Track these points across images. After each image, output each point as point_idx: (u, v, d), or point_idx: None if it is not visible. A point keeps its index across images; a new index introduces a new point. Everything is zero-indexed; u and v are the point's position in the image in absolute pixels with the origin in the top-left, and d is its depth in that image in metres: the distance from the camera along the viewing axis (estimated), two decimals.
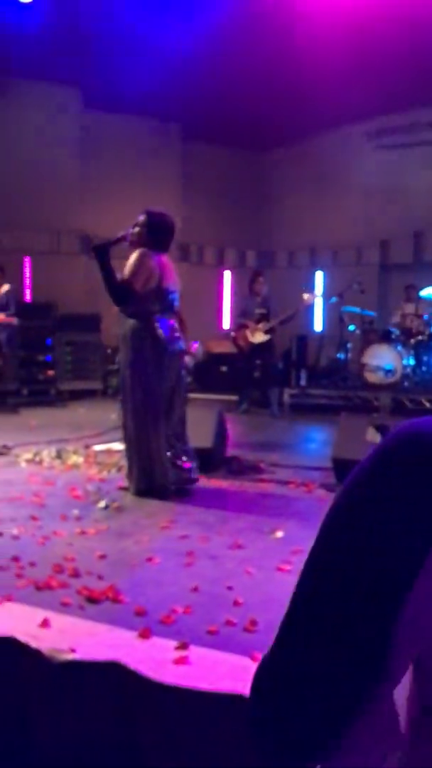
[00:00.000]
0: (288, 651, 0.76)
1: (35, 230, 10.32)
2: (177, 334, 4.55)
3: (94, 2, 7.70)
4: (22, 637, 2.37)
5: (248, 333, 8.38)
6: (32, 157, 9.96)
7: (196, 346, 6.40)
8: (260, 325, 8.30)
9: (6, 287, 8.62)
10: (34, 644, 2.34)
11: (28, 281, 10.65)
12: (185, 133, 10.41)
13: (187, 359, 6.26)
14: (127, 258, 4.47)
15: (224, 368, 10.31)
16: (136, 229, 4.52)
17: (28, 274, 10.64)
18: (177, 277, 4.63)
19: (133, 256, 4.41)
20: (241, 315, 8.65)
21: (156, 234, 4.51)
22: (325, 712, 0.71)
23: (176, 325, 4.57)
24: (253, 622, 2.57)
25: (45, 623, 2.51)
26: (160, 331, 4.42)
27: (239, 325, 8.60)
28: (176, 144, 10.62)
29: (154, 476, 4.48)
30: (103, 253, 4.36)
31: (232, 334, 8.74)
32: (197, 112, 9.58)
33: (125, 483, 4.66)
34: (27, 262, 10.60)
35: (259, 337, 8.32)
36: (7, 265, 8.84)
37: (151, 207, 4.65)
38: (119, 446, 6.01)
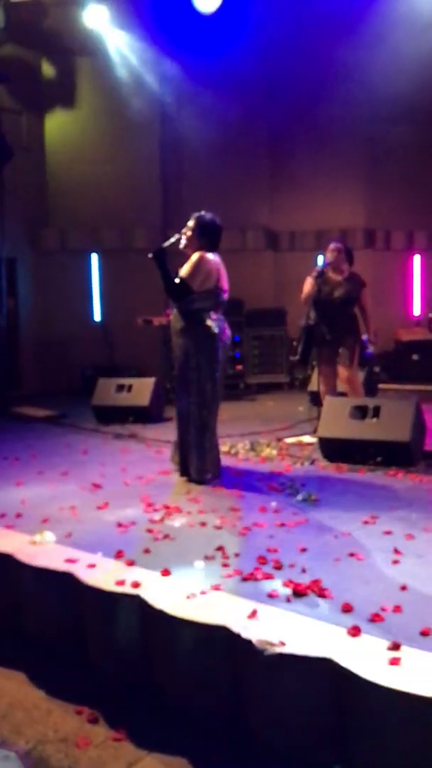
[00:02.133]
0: None
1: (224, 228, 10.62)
2: (227, 329, 4.81)
3: None
4: (234, 627, 2.43)
5: None
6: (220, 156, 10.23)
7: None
8: None
9: None
10: (245, 634, 2.38)
11: None
12: (370, 115, 10.07)
13: (371, 348, 6.07)
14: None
15: (416, 357, 9.88)
16: (188, 233, 4.81)
17: None
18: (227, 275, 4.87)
19: (193, 258, 4.70)
20: None
21: (207, 236, 4.80)
22: None
23: (224, 320, 4.83)
24: None
25: (254, 614, 2.55)
26: (213, 327, 4.67)
27: None
28: (361, 127, 10.32)
29: (217, 464, 4.78)
30: (161, 256, 4.67)
31: (430, 315, 8.17)
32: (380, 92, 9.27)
33: (173, 468, 4.93)
34: None
35: None
36: None
37: (201, 213, 4.88)
38: (310, 439, 6.01)
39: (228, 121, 9.74)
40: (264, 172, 10.72)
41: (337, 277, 6.15)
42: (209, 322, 4.67)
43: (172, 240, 4.82)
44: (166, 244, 4.80)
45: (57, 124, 10.65)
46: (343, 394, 6.19)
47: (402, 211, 10.72)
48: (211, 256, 4.73)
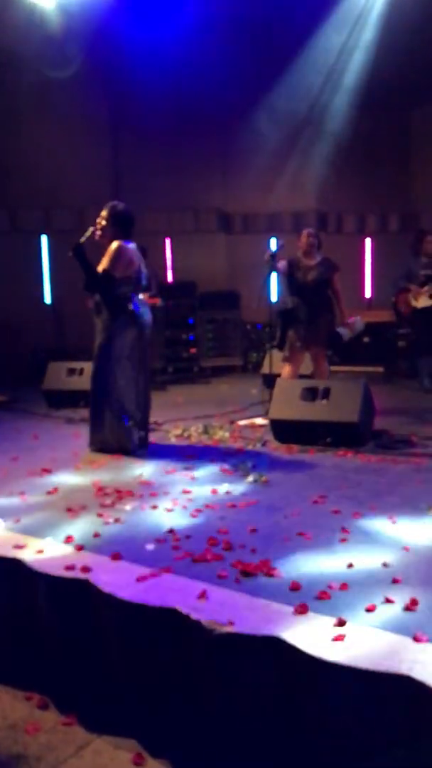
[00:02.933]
0: None
1: (175, 210, 10.55)
2: (147, 310, 5.18)
3: None
4: (183, 609, 2.44)
5: (410, 297, 7.89)
6: (173, 136, 10.12)
7: (353, 319, 6.29)
8: (425, 288, 7.75)
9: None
10: (194, 616, 2.40)
11: (169, 262, 10.91)
12: (324, 101, 10.08)
13: (345, 331, 6.17)
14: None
15: (367, 339, 10.01)
16: (103, 223, 5.05)
17: (168, 255, 10.90)
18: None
19: (111, 248, 4.96)
20: (404, 278, 8.03)
21: (121, 225, 5.05)
22: None
23: (144, 300, 5.26)
24: (414, 602, 2.48)
25: (203, 595, 2.57)
26: (132, 307, 5.01)
27: (401, 289, 8.01)
28: (316, 113, 10.32)
29: (122, 436, 5.02)
30: (80, 252, 4.88)
31: (392, 299, 8.26)
32: None
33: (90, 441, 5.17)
34: (167, 242, 10.85)
35: (423, 302, 7.80)
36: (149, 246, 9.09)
37: (114, 202, 5.15)
38: (262, 421, 6.06)
39: (181, 102, 9.63)
40: (217, 154, 10.66)
41: (309, 262, 6.35)
42: (129, 304, 4.99)
43: (88, 234, 5.01)
44: (83, 238, 4.98)
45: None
46: (306, 377, 6.28)
47: (353, 195, 10.80)
48: (126, 244, 4.98)
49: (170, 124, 9.98)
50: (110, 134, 10.61)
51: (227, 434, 5.73)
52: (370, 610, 2.46)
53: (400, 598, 2.52)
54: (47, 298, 10.67)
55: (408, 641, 2.21)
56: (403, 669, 2.02)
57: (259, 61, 9.13)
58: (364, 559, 2.93)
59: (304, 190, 10.49)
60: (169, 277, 10.84)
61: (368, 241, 11.32)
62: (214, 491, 4.05)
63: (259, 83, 9.55)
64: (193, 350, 10.24)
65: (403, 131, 10.99)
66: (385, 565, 2.87)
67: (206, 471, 4.54)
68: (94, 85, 9.94)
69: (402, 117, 10.86)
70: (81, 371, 7.40)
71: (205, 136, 10.40)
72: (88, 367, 7.45)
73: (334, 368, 8.39)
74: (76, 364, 7.55)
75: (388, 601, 2.52)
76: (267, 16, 8.57)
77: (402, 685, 2.01)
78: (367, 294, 11.33)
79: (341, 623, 2.34)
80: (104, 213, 5.06)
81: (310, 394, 5.38)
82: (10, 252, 10.34)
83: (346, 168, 10.36)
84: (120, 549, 3.07)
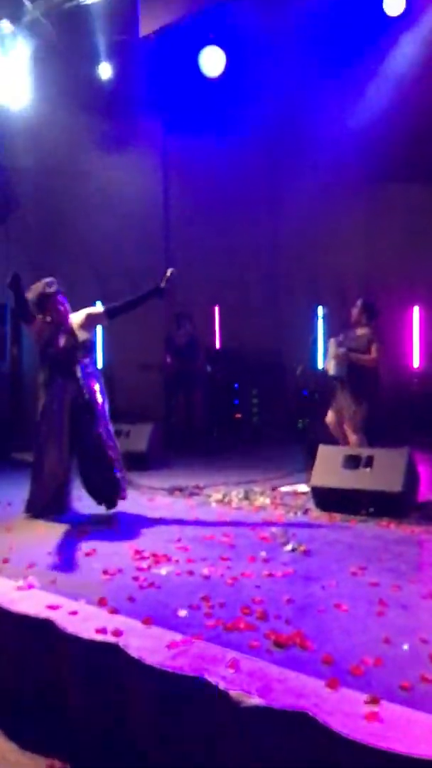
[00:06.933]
0: None
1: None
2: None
3: None
4: (211, 678, 2.40)
5: None
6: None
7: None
8: None
9: None
10: (222, 685, 2.35)
11: (217, 329, 11.13)
12: (368, 171, 10.30)
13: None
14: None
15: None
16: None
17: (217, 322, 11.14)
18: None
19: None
20: None
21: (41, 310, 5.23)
22: None
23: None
24: None
25: (233, 664, 2.52)
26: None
27: None
28: (360, 182, 10.54)
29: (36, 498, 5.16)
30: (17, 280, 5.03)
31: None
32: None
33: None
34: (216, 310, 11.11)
35: None
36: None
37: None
38: (305, 488, 5.99)
39: (228, 186, 10.03)
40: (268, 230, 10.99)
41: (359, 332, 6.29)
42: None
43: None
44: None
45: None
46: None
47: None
48: None
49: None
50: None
51: (268, 500, 5.68)
52: (404, 688, 2.37)
53: None
54: (98, 363, 10.94)
55: None
56: None
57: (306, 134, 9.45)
58: (401, 634, 2.83)
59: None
60: (217, 344, 11.03)
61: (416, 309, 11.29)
62: (252, 559, 4.00)
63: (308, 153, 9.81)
64: (238, 415, 10.28)
65: None
66: (423, 641, 2.76)
67: (245, 538, 4.49)
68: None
69: None
70: (128, 433, 7.47)
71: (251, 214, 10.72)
72: (134, 428, 7.58)
73: None
74: (123, 426, 7.63)
75: (424, 679, 2.42)
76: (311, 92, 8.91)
77: None
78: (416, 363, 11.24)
79: (374, 701, 2.25)
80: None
81: (353, 462, 5.31)
82: None
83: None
84: (152, 614, 3.04)
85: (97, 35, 7.53)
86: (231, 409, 10.30)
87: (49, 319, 5.18)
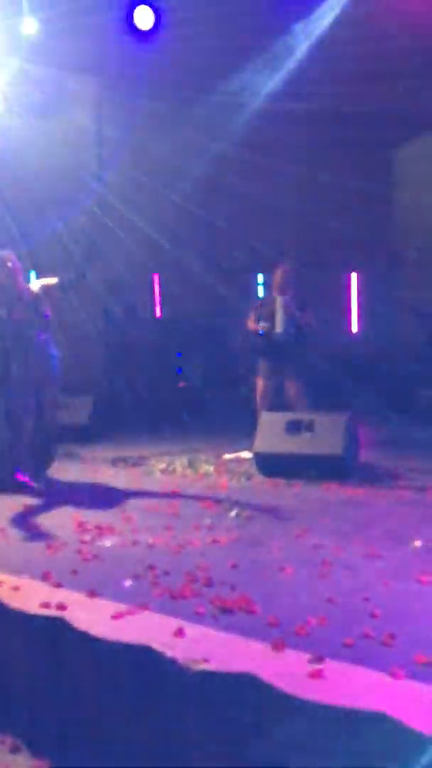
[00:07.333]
0: None
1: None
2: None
3: None
4: (157, 646, 2.40)
5: None
6: None
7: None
8: None
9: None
10: (169, 653, 2.35)
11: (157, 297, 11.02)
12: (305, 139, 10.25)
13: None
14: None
15: None
16: None
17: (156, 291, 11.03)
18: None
19: None
20: None
21: None
22: None
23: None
24: (392, 636, 2.45)
25: (180, 632, 2.52)
26: None
27: None
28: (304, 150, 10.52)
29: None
30: None
31: None
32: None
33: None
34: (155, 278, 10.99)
35: None
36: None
37: None
38: (248, 455, 6.03)
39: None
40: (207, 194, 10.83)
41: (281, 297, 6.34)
42: None
43: None
44: None
45: None
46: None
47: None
48: None
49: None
50: None
51: (212, 468, 5.70)
52: (348, 645, 2.42)
53: (379, 632, 2.49)
54: None
55: (385, 677, 2.17)
56: (378, 705, 1.98)
57: None
58: (344, 594, 2.89)
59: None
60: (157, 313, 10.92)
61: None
62: (197, 527, 4.01)
63: None
64: (182, 384, 10.26)
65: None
66: (365, 599, 2.83)
67: (190, 507, 4.50)
68: None
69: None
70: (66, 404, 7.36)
71: None
72: (74, 401, 7.48)
73: None
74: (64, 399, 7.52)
75: (366, 635, 2.48)
76: None
77: (379, 723, 1.97)
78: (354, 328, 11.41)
79: (318, 659, 2.29)
80: None
81: (295, 427, 5.37)
82: None
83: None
84: (97, 586, 3.02)
85: None
86: (174, 378, 10.26)
87: None
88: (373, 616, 2.66)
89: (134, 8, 7.15)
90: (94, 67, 9.00)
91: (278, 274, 6.41)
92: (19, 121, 8.86)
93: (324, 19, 7.51)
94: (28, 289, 5.04)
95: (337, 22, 7.33)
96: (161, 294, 11.05)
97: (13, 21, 7.54)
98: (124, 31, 7.26)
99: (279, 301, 6.23)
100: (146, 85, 8.98)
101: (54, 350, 5.14)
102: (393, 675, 2.16)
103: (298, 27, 7.82)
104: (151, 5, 7.16)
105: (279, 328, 6.19)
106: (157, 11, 7.15)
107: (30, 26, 7.85)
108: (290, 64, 8.45)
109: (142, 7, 7.19)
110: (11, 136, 8.81)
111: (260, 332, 6.19)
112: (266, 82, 8.91)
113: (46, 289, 5.10)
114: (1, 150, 8.88)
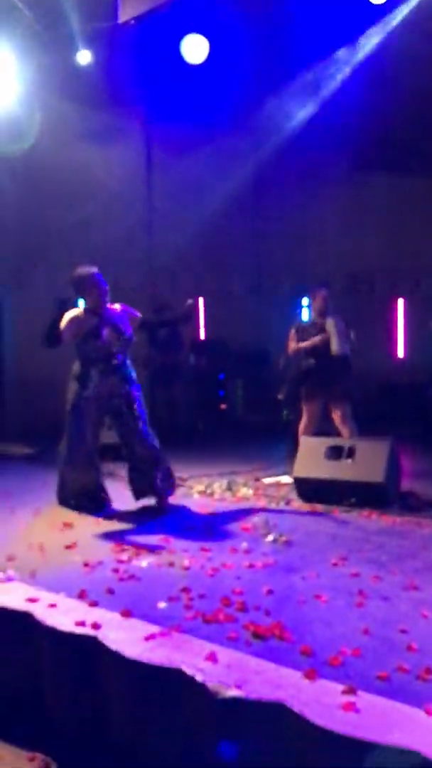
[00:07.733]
0: None
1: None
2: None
3: None
4: (188, 670, 2.39)
5: None
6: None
7: None
8: None
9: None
10: (199, 678, 2.34)
11: (201, 319, 11.10)
12: (352, 161, 10.26)
13: None
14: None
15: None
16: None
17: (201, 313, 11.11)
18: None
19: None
20: None
21: (78, 293, 5.13)
22: None
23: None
24: (428, 670, 2.39)
25: (211, 657, 2.51)
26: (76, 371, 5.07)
27: None
28: (345, 173, 10.52)
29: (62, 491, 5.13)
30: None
31: None
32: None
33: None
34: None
35: None
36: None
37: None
38: (287, 479, 5.99)
39: (213, 170, 9.96)
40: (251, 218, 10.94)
41: (322, 321, 6.32)
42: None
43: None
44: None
45: None
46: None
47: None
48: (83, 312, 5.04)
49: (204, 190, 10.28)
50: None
51: (251, 491, 5.68)
52: (382, 678, 2.37)
53: (415, 666, 2.43)
54: None
55: (419, 713, 2.12)
56: (410, 742, 1.93)
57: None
58: (380, 625, 2.84)
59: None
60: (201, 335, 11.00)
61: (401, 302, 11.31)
62: (233, 550, 3.99)
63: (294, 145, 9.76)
64: (222, 406, 10.28)
65: None
66: (402, 631, 2.77)
67: (227, 530, 4.48)
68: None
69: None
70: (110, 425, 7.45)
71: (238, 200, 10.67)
72: None
73: None
74: None
75: (401, 669, 2.43)
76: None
77: (410, 759, 1.92)
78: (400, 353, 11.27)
79: (351, 691, 2.25)
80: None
81: (335, 453, 5.32)
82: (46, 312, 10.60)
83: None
84: (132, 606, 3.03)
85: (75, 22, 7.42)
86: (216, 401, 10.28)
87: (88, 304, 5.02)
88: (409, 649, 2.60)
89: (183, 40, 7.35)
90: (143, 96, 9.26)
91: (318, 300, 6.41)
92: (70, 148, 9.13)
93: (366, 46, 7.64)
94: (113, 309, 5.12)
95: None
96: (205, 315, 11.13)
97: (68, 53, 7.83)
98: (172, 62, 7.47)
99: (330, 323, 6.21)
100: (192, 112, 9.18)
101: (133, 372, 5.20)
102: (428, 711, 2.11)
103: (340, 53, 7.93)
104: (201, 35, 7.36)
105: (336, 347, 6.17)
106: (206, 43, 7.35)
107: (84, 58, 8.13)
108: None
109: (192, 37, 7.38)
110: (61, 160, 9.07)
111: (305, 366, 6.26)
112: (309, 105, 9.03)
113: (130, 316, 5.20)
114: (52, 169, 9.15)
